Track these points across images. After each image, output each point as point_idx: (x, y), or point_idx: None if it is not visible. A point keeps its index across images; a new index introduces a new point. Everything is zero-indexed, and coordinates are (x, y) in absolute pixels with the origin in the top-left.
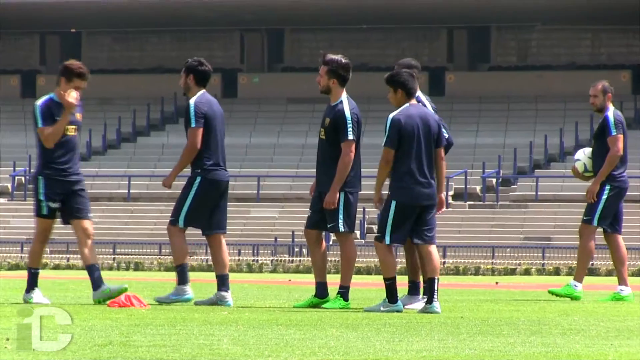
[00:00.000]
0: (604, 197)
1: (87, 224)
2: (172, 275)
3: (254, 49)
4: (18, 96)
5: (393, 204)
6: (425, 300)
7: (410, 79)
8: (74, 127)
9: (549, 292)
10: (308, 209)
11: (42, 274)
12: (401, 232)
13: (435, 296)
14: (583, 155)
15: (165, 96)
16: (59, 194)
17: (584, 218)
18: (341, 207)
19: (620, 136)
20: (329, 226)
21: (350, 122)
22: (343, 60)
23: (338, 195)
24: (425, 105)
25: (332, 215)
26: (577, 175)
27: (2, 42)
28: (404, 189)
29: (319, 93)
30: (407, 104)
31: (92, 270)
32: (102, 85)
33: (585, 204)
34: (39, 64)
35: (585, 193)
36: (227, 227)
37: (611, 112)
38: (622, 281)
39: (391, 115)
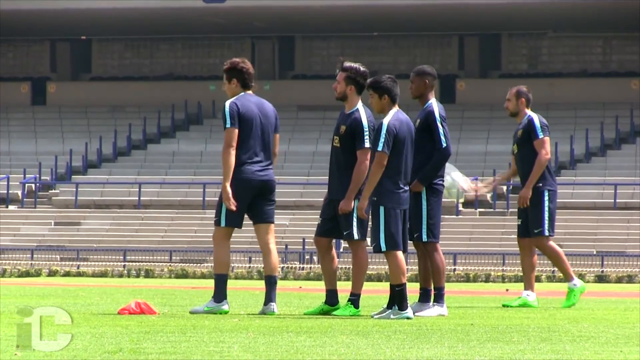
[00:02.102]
0: (546, 204)
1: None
2: (183, 283)
3: (264, 56)
4: (29, 103)
5: (382, 209)
6: (433, 306)
7: (394, 85)
8: None
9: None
10: (319, 217)
11: (53, 281)
12: (399, 235)
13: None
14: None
15: (176, 103)
16: None
17: (535, 231)
18: (355, 214)
19: (548, 139)
20: (344, 233)
21: (367, 130)
22: (362, 68)
23: (353, 202)
24: (433, 112)
25: (347, 223)
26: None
27: (13, 49)
28: (394, 194)
29: (330, 100)
30: (395, 110)
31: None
32: (112, 92)
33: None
34: (50, 71)
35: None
36: (239, 234)
37: (535, 115)
38: (529, 286)
39: (386, 121)
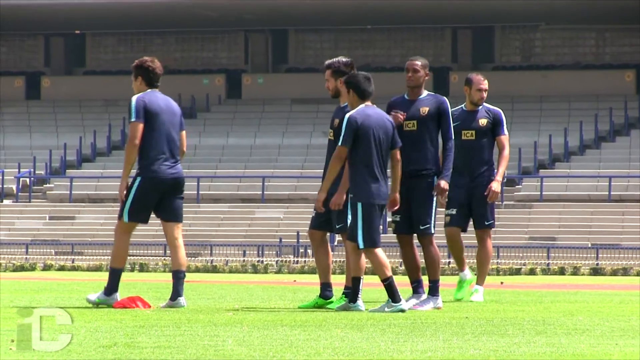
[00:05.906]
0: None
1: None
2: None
3: (258, 49)
4: (23, 98)
5: (359, 205)
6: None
7: (364, 81)
8: None
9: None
10: (313, 210)
11: (47, 275)
12: (377, 232)
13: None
14: None
15: (169, 97)
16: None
17: (486, 223)
18: (349, 207)
19: None
20: (337, 227)
21: None
22: (343, 59)
23: (344, 197)
24: (446, 104)
25: (341, 216)
26: None
27: (7, 43)
28: (369, 188)
29: (323, 94)
30: (363, 105)
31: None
32: (106, 86)
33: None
34: (44, 66)
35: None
36: (233, 228)
37: (499, 109)
38: (463, 266)
39: (348, 115)
